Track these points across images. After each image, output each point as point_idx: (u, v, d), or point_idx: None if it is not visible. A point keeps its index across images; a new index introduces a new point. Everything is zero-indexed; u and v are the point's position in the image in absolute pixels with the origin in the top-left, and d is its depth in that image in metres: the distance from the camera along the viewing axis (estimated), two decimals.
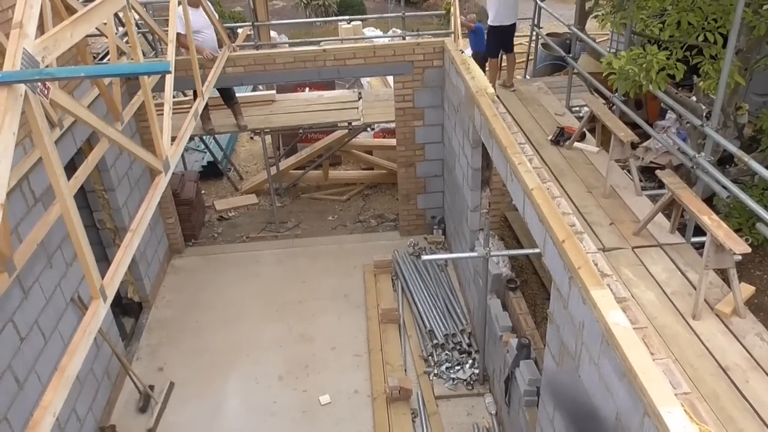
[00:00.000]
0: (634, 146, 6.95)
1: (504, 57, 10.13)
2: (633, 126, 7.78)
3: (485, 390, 8.23)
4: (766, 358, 4.54)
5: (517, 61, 10.34)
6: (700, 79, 7.10)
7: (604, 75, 7.36)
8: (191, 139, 12.85)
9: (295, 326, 9.54)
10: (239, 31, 16.76)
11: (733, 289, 4.94)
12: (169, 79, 6.60)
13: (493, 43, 10.07)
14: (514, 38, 10.13)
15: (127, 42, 8.19)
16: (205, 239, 11.86)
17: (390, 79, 13.34)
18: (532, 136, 8.12)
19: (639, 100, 10.59)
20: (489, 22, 9.86)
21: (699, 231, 5.65)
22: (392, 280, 10.31)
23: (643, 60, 6.74)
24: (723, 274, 5.21)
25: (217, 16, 9.64)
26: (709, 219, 5.02)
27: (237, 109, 10.70)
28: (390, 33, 18.64)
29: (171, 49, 6.77)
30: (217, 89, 10.15)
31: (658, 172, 6.14)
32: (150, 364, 8.92)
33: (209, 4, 9.43)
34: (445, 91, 10.00)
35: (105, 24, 7.35)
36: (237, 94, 10.83)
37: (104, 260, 8.65)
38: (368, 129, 13.23)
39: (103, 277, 4.59)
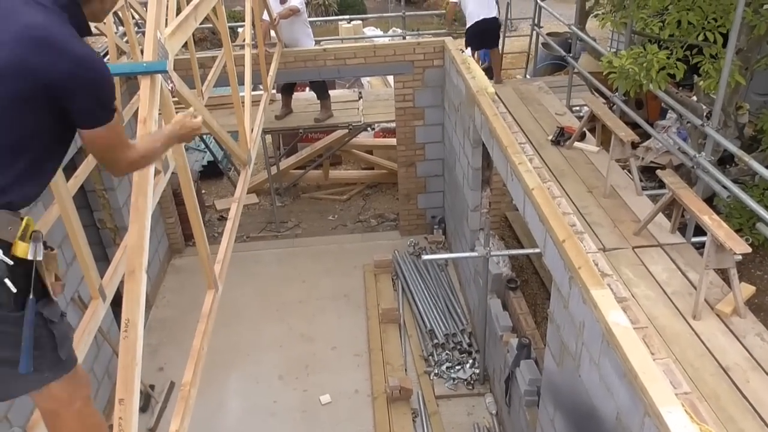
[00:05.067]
0: (634, 146, 6.94)
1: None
2: (633, 126, 7.77)
3: (486, 390, 8.23)
4: (767, 358, 4.54)
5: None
6: (701, 78, 7.09)
7: (604, 74, 7.35)
8: None
9: (296, 326, 9.53)
10: (240, 30, 16.74)
11: (734, 289, 4.94)
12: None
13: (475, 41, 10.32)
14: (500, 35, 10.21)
15: (126, 41, 8.19)
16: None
17: (390, 78, 13.34)
18: (533, 136, 8.12)
19: (639, 100, 10.58)
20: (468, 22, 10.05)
21: (699, 231, 5.64)
22: (392, 279, 10.30)
23: (644, 59, 6.74)
24: (723, 274, 5.21)
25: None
26: (709, 219, 5.01)
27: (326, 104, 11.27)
28: (390, 32, 18.63)
29: None
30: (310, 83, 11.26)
31: (658, 171, 6.14)
32: (150, 364, 8.91)
33: None
34: (446, 90, 9.99)
35: (104, 23, 7.35)
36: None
37: (104, 260, 8.64)
38: (368, 129, 13.22)
39: (102, 276, 4.59)
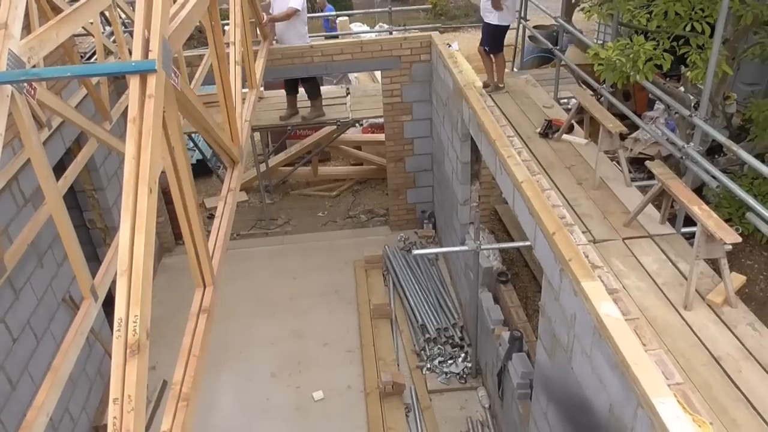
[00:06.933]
0: (622, 137, 6.96)
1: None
2: (621, 117, 7.80)
3: (478, 383, 8.25)
4: (758, 347, 4.57)
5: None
6: (688, 69, 7.11)
7: (592, 65, 7.36)
8: None
9: (287, 323, 9.53)
10: (227, 28, 16.71)
11: (724, 279, 4.96)
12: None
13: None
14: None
15: (114, 41, 8.16)
16: None
17: (378, 74, 13.33)
18: (521, 129, 8.13)
19: (627, 91, 10.61)
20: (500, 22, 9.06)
21: (689, 221, 5.67)
22: (383, 275, 10.31)
23: (630, 50, 6.75)
24: (714, 264, 5.23)
25: None
26: (699, 209, 5.03)
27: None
28: (377, 28, 18.63)
29: None
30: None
31: (647, 162, 6.16)
32: None
33: None
34: (433, 85, 9.99)
35: (91, 23, 7.32)
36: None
37: (95, 260, 8.62)
38: (357, 124, 13.22)
39: (94, 276, 4.58)
